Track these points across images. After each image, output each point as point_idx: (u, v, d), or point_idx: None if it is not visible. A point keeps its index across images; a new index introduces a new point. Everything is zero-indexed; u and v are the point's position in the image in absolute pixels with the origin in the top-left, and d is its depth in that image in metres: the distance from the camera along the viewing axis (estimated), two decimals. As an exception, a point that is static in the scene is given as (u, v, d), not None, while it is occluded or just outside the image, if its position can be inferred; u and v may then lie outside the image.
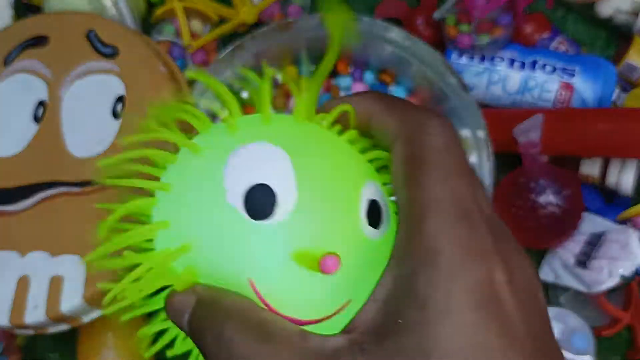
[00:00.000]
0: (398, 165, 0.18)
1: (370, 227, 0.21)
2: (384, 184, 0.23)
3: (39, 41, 0.43)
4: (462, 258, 0.15)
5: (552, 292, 0.52)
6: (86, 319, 0.39)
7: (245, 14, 0.51)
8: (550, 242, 0.50)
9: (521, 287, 0.16)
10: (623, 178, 0.48)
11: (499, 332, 0.15)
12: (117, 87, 0.41)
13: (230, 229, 0.20)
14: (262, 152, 0.21)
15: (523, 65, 0.50)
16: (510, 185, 0.48)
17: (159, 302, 0.22)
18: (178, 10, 0.50)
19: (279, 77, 0.48)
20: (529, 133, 0.45)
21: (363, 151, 0.23)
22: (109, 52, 0.42)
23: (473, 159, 0.46)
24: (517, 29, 0.51)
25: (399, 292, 0.16)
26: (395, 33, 0.45)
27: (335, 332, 0.18)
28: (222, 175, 0.21)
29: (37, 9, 0.52)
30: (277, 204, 0.20)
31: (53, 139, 0.41)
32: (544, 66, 0.50)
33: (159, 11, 0.50)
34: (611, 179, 0.49)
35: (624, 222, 0.49)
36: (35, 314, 0.37)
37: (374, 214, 0.21)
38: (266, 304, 0.20)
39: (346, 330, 0.18)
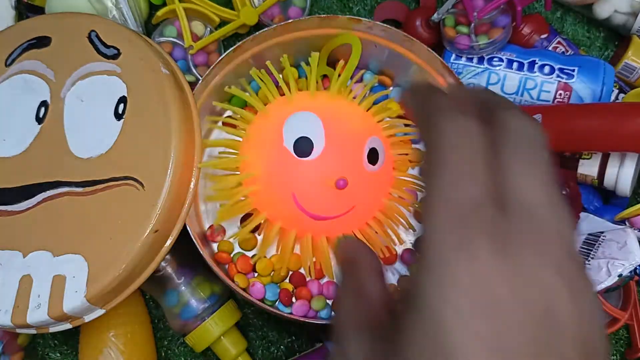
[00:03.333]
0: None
1: (369, 164, 0.41)
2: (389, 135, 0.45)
3: (40, 42, 0.43)
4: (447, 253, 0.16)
5: (551, 292, 0.52)
6: (88, 318, 0.39)
7: (245, 15, 0.51)
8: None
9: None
10: (621, 178, 0.48)
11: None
12: (119, 88, 0.41)
13: (285, 161, 0.40)
14: (305, 117, 0.41)
15: (521, 66, 0.50)
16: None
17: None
18: (179, 12, 0.50)
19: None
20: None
21: (374, 114, 0.44)
22: (110, 53, 0.42)
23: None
24: (515, 30, 0.52)
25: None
26: (394, 34, 0.46)
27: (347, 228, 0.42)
28: (282, 131, 0.40)
29: (39, 10, 0.52)
30: (313, 148, 0.40)
31: (55, 140, 0.41)
32: (542, 67, 0.50)
33: (160, 12, 0.50)
34: (609, 179, 0.49)
35: (622, 222, 0.49)
36: (37, 313, 0.37)
37: (373, 156, 0.42)
38: (300, 207, 0.40)
39: None
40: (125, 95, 0.40)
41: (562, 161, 0.50)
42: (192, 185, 0.40)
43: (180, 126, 0.39)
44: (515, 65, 0.50)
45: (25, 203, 0.40)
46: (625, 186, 0.48)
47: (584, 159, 0.50)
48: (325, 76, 0.47)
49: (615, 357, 0.52)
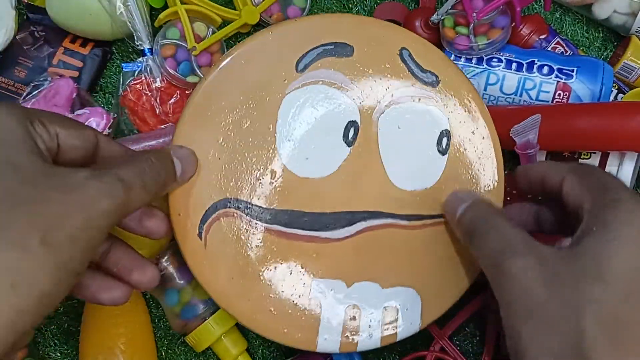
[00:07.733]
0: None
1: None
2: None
3: (340, 49, 0.38)
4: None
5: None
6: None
7: (247, 14, 0.51)
8: (547, 242, 0.50)
9: None
10: (620, 178, 0.48)
11: None
12: (439, 120, 0.38)
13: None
14: None
15: (520, 66, 0.50)
16: (508, 185, 0.49)
17: None
18: (181, 14, 0.50)
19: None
20: (526, 134, 0.46)
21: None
22: (429, 80, 0.38)
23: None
24: (514, 31, 0.52)
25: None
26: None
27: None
28: None
29: (39, 10, 0.52)
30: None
31: (372, 166, 0.38)
32: (541, 67, 0.50)
33: (162, 15, 0.51)
34: (608, 178, 0.49)
35: (621, 221, 0.49)
36: (368, 342, 0.37)
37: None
38: None
39: None
40: (448, 129, 0.39)
41: (562, 161, 0.51)
42: None
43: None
44: (514, 65, 0.50)
45: (343, 230, 0.38)
46: (624, 186, 0.49)
47: (583, 159, 0.50)
48: None
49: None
